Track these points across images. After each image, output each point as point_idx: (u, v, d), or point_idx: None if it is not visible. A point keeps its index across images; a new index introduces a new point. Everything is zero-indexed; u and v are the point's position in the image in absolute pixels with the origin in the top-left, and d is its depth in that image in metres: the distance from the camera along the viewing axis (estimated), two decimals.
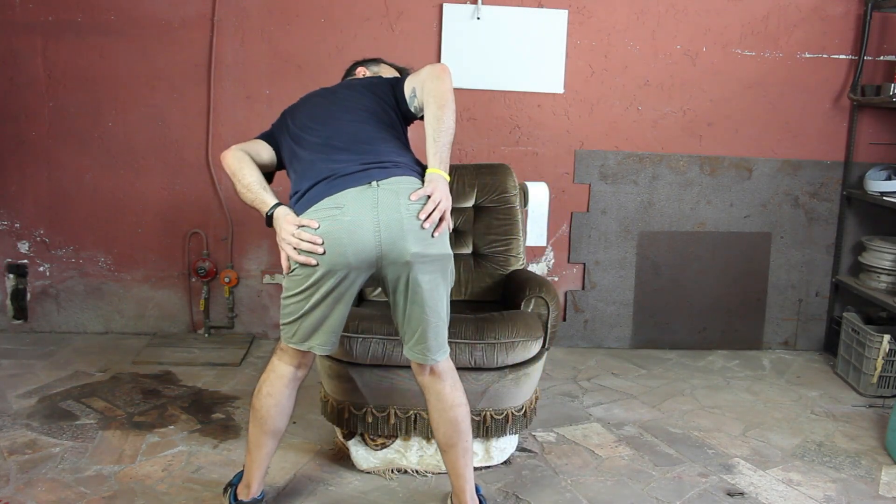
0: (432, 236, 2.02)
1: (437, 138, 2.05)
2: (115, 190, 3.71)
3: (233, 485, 2.31)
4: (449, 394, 2.16)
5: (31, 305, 3.78)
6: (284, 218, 2.05)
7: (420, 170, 2.11)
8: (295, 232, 2.01)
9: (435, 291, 2.07)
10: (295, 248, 2.01)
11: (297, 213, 2.05)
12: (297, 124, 2.22)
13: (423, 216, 2.00)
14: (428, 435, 2.52)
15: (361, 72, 2.53)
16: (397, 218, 1.98)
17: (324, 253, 1.98)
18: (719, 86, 3.80)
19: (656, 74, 3.76)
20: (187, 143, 3.69)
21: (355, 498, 2.43)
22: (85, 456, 2.60)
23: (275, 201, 2.11)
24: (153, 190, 3.72)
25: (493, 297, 2.96)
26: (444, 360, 2.16)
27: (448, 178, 2.07)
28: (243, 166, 2.16)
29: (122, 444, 2.69)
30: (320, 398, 2.63)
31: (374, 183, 2.01)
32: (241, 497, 2.25)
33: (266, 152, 2.27)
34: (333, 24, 3.63)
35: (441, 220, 2.03)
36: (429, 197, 2.02)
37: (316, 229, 1.99)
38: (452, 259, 2.12)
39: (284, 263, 2.08)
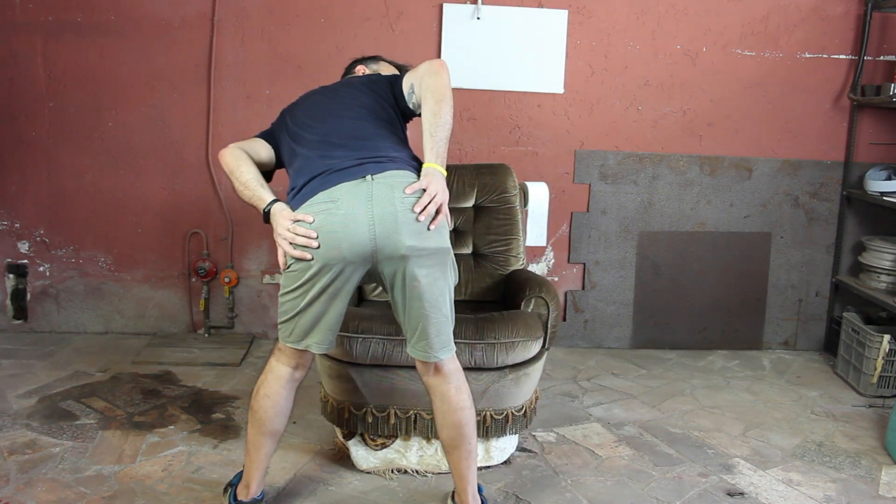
0: (428, 229, 2.01)
1: (433, 133, 2.05)
2: (115, 190, 3.71)
3: (233, 485, 2.31)
4: (454, 396, 2.14)
5: (31, 305, 3.78)
6: (280, 213, 2.06)
7: (417, 165, 2.10)
8: (290, 226, 2.02)
9: (434, 286, 2.05)
10: (291, 244, 2.02)
11: (293, 209, 2.06)
12: (295, 122, 2.22)
13: (418, 209, 1.99)
14: (428, 435, 2.52)
15: (361, 70, 2.53)
16: (391, 211, 1.98)
17: (318, 247, 1.99)
18: (719, 86, 3.80)
19: (656, 74, 3.76)
20: (187, 143, 3.69)
21: (355, 498, 2.43)
22: (85, 456, 2.60)
23: (272, 198, 2.11)
24: (153, 190, 3.72)
25: (493, 297, 2.96)
26: (449, 360, 2.14)
27: (445, 173, 2.06)
28: (240, 164, 2.16)
29: (122, 444, 2.69)
30: (320, 398, 2.63)
31: (368, 177, 2.01)
32: (240, 497, 2.25)
33: (265, 151, 2.27)
34: (333, 24, 3.63)
35: (437, 212, 2.02)
36: (424, 190, 2.01)
37: (311, 223, 2.00)
38: (452, 253, 2.10)
39: (281, 259, 2.08)
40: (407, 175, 2.05)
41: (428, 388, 2.18)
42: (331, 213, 1.99)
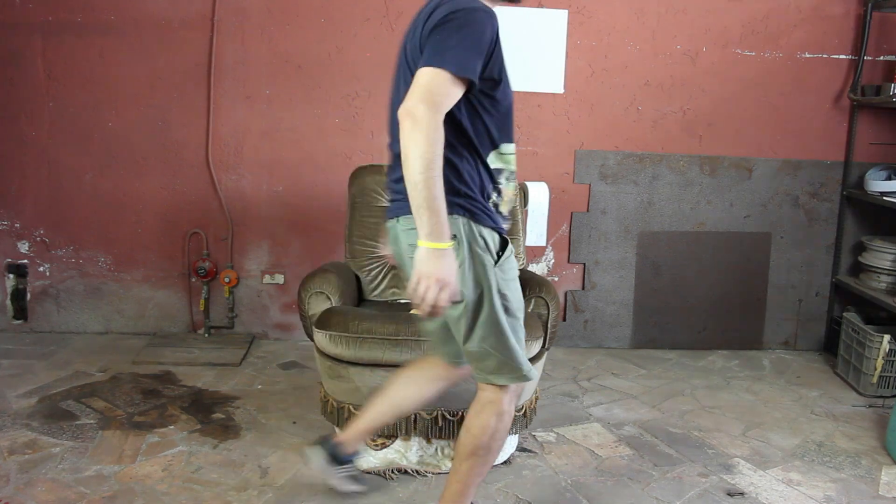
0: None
1: (412, 206, 1.75)
2: (115, 190, 3.71)
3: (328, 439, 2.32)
4: (471, 414, 2.04)
5: (31, 305, 3.78)
6: None
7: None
8: None
9: (455, 326, 1.96)
10: None
11: None
12: None
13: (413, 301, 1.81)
14: (428, 435, 2.52)
15: None
16: (402, 257, 2.01)
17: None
18: (719, 86, 3.80)
19: (656, 74, 3.76)
20: (187, 143, 3.69)
21: (355, 498, 2.43)
22: (85, 456, 2.60)
23: None
24: (153, 190, 3.72)
25: None
26: (490, 389, 2.00)
27: (441, 246, 1.73)
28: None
29: (122, 444, 2.69)
30: (320, 398, 2.63)
31: (392, 220, 2.01)
32: (336, 440, 2.27)
33: None
34: (333, 24, 3.63)
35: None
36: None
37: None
38: (479, 298, 1.90)
39: None
40: (403, 223, 1.93)
41: (446, 381, 2.21)
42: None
